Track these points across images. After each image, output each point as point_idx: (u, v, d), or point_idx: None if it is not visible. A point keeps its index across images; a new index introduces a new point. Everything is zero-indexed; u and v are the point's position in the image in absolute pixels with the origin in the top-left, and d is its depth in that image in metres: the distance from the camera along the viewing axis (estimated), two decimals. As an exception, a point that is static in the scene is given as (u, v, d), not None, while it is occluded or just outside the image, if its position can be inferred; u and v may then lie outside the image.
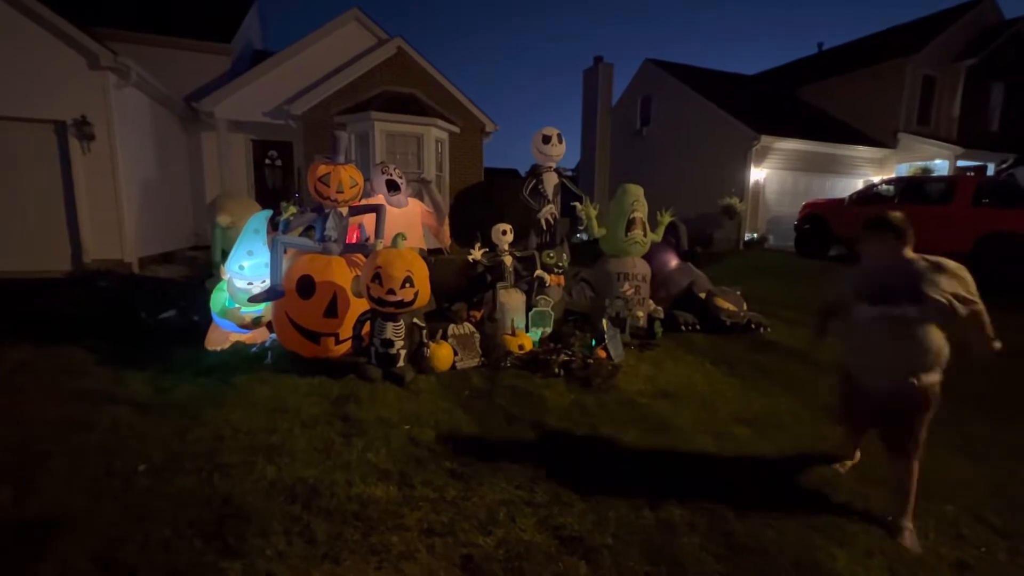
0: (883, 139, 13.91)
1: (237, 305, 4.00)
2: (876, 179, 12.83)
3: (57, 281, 6.68)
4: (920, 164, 13.55)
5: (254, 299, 3.82)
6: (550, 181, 5.59)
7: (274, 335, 4.16)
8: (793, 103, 15.74)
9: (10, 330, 4.38)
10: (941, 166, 13.24)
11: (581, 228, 5.83)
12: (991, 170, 13.64)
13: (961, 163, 13.20)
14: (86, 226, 7.25)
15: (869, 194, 10.07)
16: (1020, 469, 2.87)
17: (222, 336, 4.19)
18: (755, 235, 12.74)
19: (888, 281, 2.21)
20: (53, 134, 7.01)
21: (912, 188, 9.23)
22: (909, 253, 2.22)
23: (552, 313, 4.80)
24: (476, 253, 4.91)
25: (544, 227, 5.57)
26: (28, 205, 7.00)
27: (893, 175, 13.32)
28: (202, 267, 7.21)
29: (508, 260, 4.89)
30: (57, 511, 2.12)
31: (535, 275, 4.92)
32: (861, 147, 13.67)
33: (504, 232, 4.93)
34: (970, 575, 2.06)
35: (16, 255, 6.94)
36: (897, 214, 2.29)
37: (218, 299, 4.06)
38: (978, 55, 13.61)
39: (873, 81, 14.24)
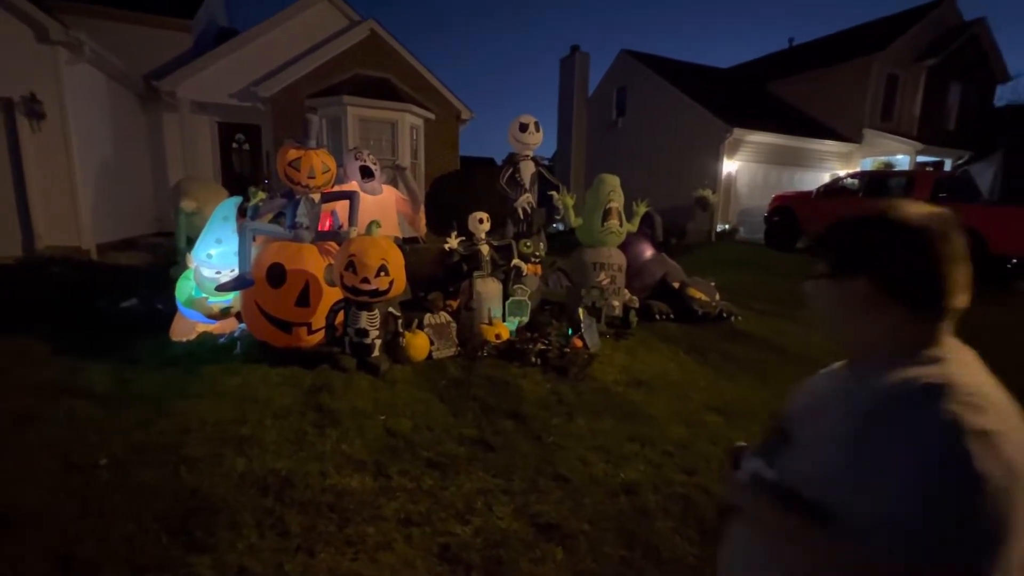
0: (849, 134, 14.35)
1: (204, 295, 3.86)
2: (842, 173, 13.26)
3: (6, 267, 6.31)
4: (883, 159, 14.06)
5: (222, 288, 3.69)
6: (527, 170, 5.56)
7: (243, 325, 4.03)
8: (764, 97, 16.06)
9: (-45, 319, 4.13)
10: (903, 161, 13.76)
11: (558, 218, 5.83)
12: (948, 166, 14.27)
13: (921, 158, 13.75)
14: (38, 210, 6.84)
15: (836, 187, 10.40)
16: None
17: (188, 326, 4.04)
18: (727, 227, 13.02)
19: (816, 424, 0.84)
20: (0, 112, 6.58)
21: (876, 182, 9.57)
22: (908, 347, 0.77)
23: (529, 302, 4.80)
24: (452, 242, 4.86)
25: (521, 216, 5.54)
26: (-27, 187, 6.57)
27: (858, 169, 13.78)
28: (165, 254, 6.92)
29: (485, 249, 4.85)
30: (12, 507, 2.01)
31: (512, 264, 4.90)
32: (828, 141, 14.07)
33: (481, 221, 4.89)
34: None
35: (-40, 240, 6.53)
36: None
37: (184, 288, 3.91)
38: (938, 55, 14.13)
39: (840, 77, 14.63)
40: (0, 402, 2.86)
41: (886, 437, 0.64)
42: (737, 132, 12.47)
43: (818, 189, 10.71)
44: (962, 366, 0.68)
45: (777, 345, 4.74)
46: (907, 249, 0.70)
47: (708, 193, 12.50)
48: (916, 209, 0.72)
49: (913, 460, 0.61)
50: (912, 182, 8.80)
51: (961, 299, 0.72)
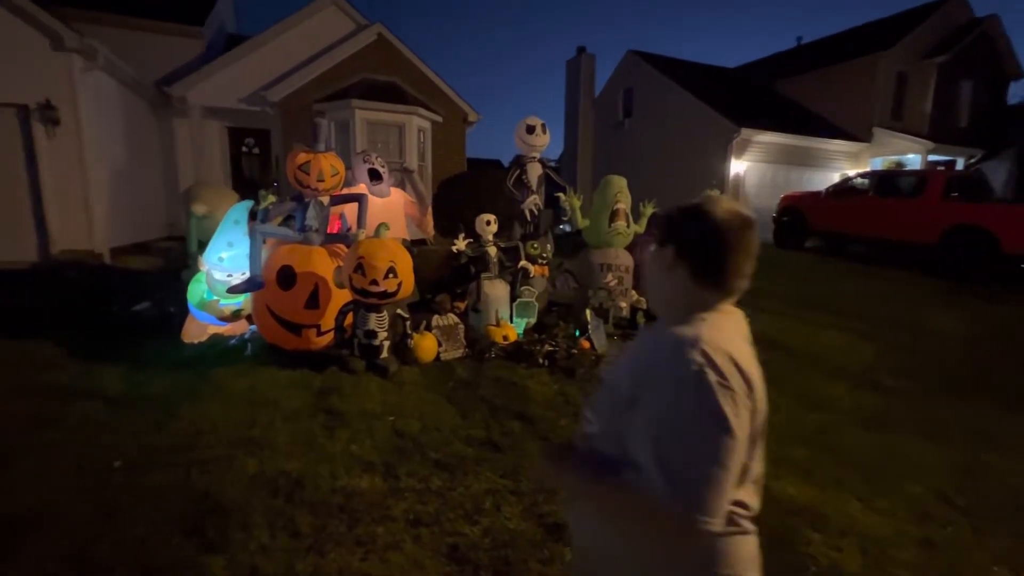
0: (858, 133, 14.21)
1: (216, 297, 3.91)
2: (852, 172, 13.13)
3: (23, 272, 6.42)
4: (893, 158, 13.91)
5: (233, 290, 3.74)
6: (534, 171, 5.56)
7: (253, 327, 4.07)
8: (772, 96, 15.96)
9: (-27, 323, 4.21)
10: (914, 160, 13.60)
11: (565, 219, 5.82)
12: (960, 165, 14.09)
13: (932, 157, 13.59)
14: (53, 215, 6.96)
15: (845, 187, 10.30)
16: (983, 451, 2.99)
17: (199, 329, 4.09)
18: (735, 227, 12.93)
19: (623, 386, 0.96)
20: (15, 119, 6.69)
21: (886, 181, 9.47)
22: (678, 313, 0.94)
23: (536, 304, 4.80)
24: (460, 243, 4.87)
25: (528, 218, 5.55)
26: (-11, 193, 6.69)
27: (868, 168, 13.65)
28: (177, 258, 7.00)
29: (492, 251, 4.86)
30: (27, 509, 2.05)
31: (519, 266, 4.91)
32: (837, 141, 13.95)
33: (488, 222, 4.90)
34: (935, 551, 2.14)
35: (-23, 245, 6.65)
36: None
37: (196, 291, 3.95)
38: (949, 52, 13.96)
39: (849, 76, 14.50)
40: (16, 405, 2.92)
41: (654, 375, 0.88)
42: (745, 132, 12.39)
43: (827, 189, 10.62)
44: (714, 328, 0.89)
45: (785, 344, 4.70)
46: (701, 231, 0.91)
47: (716, 194, 12.40)
48: (723, 205, 0.92)
49: (667, 384, 0.85)
50: (923, 181, 8.69)
51: (739, 283, 0.93)
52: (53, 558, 1.81)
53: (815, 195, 10.68)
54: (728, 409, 0.80)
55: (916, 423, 3.27)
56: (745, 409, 0.83)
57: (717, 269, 0.91)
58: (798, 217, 10.53)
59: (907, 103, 14.32)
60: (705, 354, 0.83)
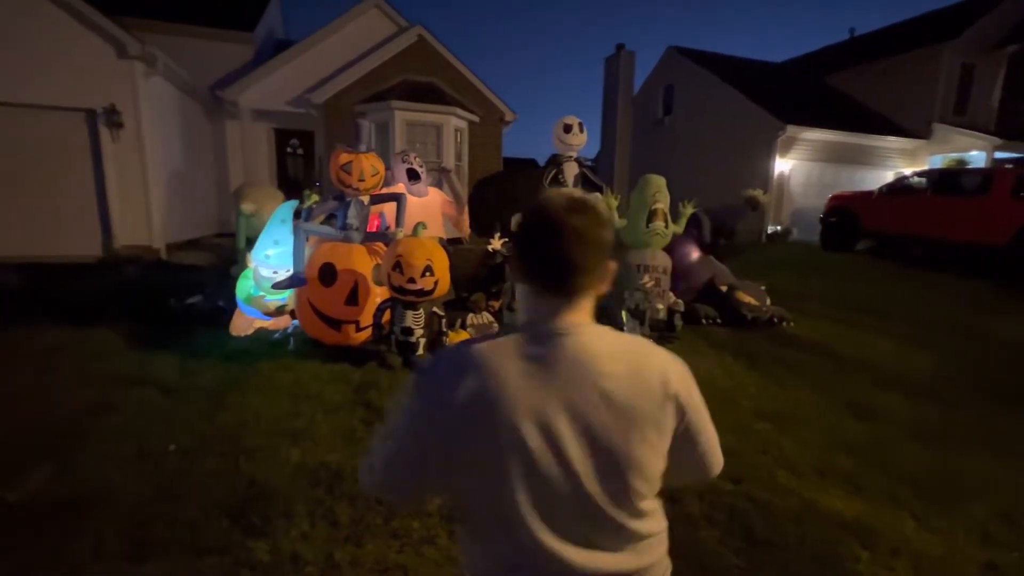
0: (916, 129, 13.41)
1: (262, 293, 4.08)
2: (907, 171, 12.41)
3: (89, 266, 6.89)
4: (955, 156, 13.04)
5: (277, 286, 3.89)
6: (570, 171, 5.53)
7: (296, 322, 4.22)
8: (822, 91, 15.26)
9: (45, 313, 4.54)
10: (977, 158, 12.71)
11: (601, 219, 5.76)
12: (1031, 162, 13.07)
13: (999, 155, 12.66)
14: (116, 213, 7.44)
15: (900, 186, 9.75)
16: (1055, 472, 2.77)
17: (246, 322, 4.28)
18: (779, 228, 12.46)
19: None
20: (84, 123, 7.19)
21: (946, 180, 8.90)
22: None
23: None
24: (496, 243, 4.90)
25: (563, 217, 5.53)
26: (61, 192, 7.21)
27: (926, 167, 12.86)
28: (227, 254, 7.35)
29: (527, 250, 4.87)
30: (92, 489, 2.20)
31: (554, 266, 4.89)
32: (892, 138, 13.20)
33: (523, 222, 4.91)
34: (1000, 579, 2.00)
35: (50, 241, 7.17)
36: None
37: (244, 286, 4.14)
38: (1021, 41, 12.97)
39: (907, 69, 13.69)
40: (82, 392, 3.13)
41: None
42: (791, 129, 11.90)
43: (880, 188, 10.07)
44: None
45: (832, 351, 4.50)
46: (524, 239, 0.82)
47: (759, 193, 11.99)
48: (554, 200, 0.78)
49: None
50: (988, 181, 8.12)
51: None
52: (113, 536, 1.94)
53: (867, 195, 10.15)
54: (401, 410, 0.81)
55: (978, 438, 3.06)
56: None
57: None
58: (848, 218, 10.04)
59: (972, 97, 13.40)
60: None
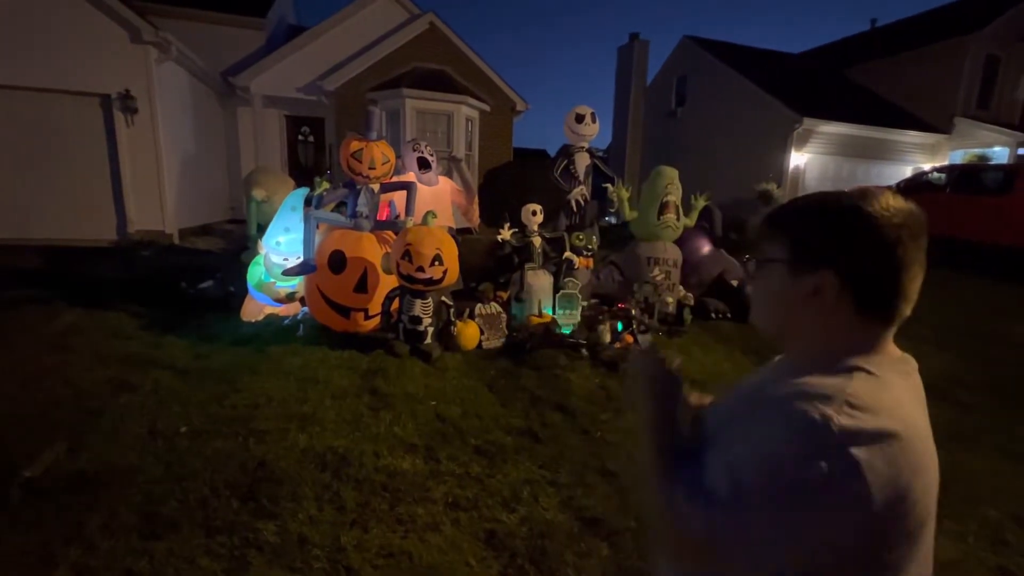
0: (937, 124, 13.10)
1: (273, 279, 4.11)
2: (927, 167, 12.16)
3: (104, 250, 6.99)
4: (977, 151, 12.74)
5: (288, 272, 3.91)
6: (581, 162, 5.49)
7: (306, 308, 4.26)
8: (840, 84, 14.94)
9: (62, 295, 4.62)
10: (1000, 154, 12.41)
11: (612, 210, 5.72)
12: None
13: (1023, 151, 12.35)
14: (130, 198, 7.52)
15: (919, 182, 9.56)
16: (1070, 475, 2.72)
17: (257, 308, 4.32)
18: (792, 222, 12.29)
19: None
20: (99, 108, 7.25)
21: (966, 177, 8.70)
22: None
23: (580, 296, 4.76)
24: (505, 233, 4.89)
25: (574, 208, 5.50)
26: (77, 176, 7.29)
27: (946, 163, 12.58)
28: (238, 240, 7.41)
29: (537, 241, 4.85)
30: (106, 467, 2.25)
31: (563, 257, 4.87)
32: (912, 132, 12.92)
33: (534, 213, 4.89)
34: (1009, 581, 1.98)
35: (67, 224, 7.28)
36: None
37: (254, 272, 4.17)
38: (1051, 33, 12.58)
39: (929, 61, 13.35)
40: (98, 372, 3.19)
41: (762, 417, 0.64)
42: (808, 122, 11.69)
43: (899, 184, 9.88)
44: (870, 383, 0.63)
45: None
46: (875, 245, 0.64)
47: (773, 187, 11.77)
48: (892, 203, 0.65)
49: (771, 430, 0.61)
50: (1011, 177, 7.93)
51: (908, 308, 0.68)
52: (127, 511, 1.98)
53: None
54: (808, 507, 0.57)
55: (994, 441, 3.02)
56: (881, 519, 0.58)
57: (893, 294, 0.66)
58: (864, 213, 9.87)
59: (996, 90, 13.05)
60: (844, 413, 0.59)
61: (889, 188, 0.65)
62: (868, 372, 0.64)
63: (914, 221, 0.65)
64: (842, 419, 0.58)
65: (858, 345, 0.67)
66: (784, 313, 0.72)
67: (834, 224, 0.67)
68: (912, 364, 0.71)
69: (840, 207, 0.67)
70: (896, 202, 0.66)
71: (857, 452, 0.57)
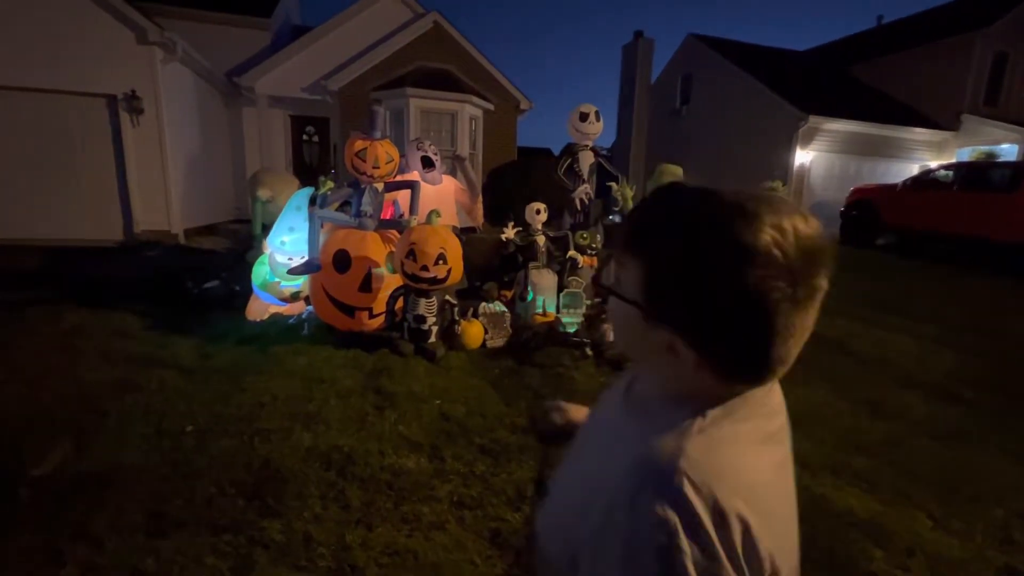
0: (944, 121, 13.00)
1: (277, 279, 4.12)
2: (933, 164, 12.06)
3: (110, 250, 7.03)
4: (984, 148, 12.62)
5: (292, 272, 3.92)
6: (585, 160, 5.47)
7: (310, 308, 4.27)
8: (846, 81, 14.85)
9: (68, 294, 4.64)
10: (1008, 151, 12.29)
11: (616, 209, 5.70)
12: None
13: (1031, 148, 12.24)
14: (136, 198, 7.56)
15: (925, 180, 9.49)
16: (1080, 476, 2.70)
17: (262, 307, 4.33)
18: (797, 221, 12.23)
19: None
20: (105, 108, 7.29)
21: (974, 174, 8.63)
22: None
23: (584, 294, 4.74)
24: (509, 232, 4.88)
25: (578, 207, 5.48)
26: (83, 177, 7.34)
27: (953, 160, 12.48)
28: (243, 239, 7.44)
29: (541, 240, 4.84)
30: (112, 466, 2.26)
31: (568, 256, 4.86)
32: (919, 129, 12.83)
33: (538, 211, 4.88)
34: (1019, 582, 1.96)
35: (73, 224, 7.32)
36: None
37: (259, 272, 4.18)
38: (1059, 29, 12.46)
39: (936, 58, 13.24)
40: (102, 371, 3.21)
41: (612, 511, 0.51)
42: (813, 120, 11.63)
43: (905, 181, 9.81)
44: (721, 444, 0.52)
45: (852, 349, 4.41)
46: (741, 313, 0.47)
47: (777, 185, 11.69)
48: (792, 234, 0.47)
49: (616, 549, 0.50)
50: (1019, 174, 7.85)
51: (789, 364, 0.53)
52: (133, 510, 1.99)
53: (890, 188, 9.90)
54: None
55: (999, 439, 2.99)
56: None
57: (763, 365, 0.51)
58: (869, 211, 9.81)
59: (1004, 87, 12.94)
60: (683, 505, 0.47)
61: (800, 212, 0.48)
62: (708, 429, 0.52)
63: (809, 262, 0.48)
64: (671, 514, 0.47)
65: (712, 396, 0.54)
66: (640, 352, 0.59)
67: (690, 270, 0.49)
68: (773, 392, 0.60)
69: (710, 238, 0.48)
70: (800, 231, 0.48)
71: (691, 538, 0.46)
